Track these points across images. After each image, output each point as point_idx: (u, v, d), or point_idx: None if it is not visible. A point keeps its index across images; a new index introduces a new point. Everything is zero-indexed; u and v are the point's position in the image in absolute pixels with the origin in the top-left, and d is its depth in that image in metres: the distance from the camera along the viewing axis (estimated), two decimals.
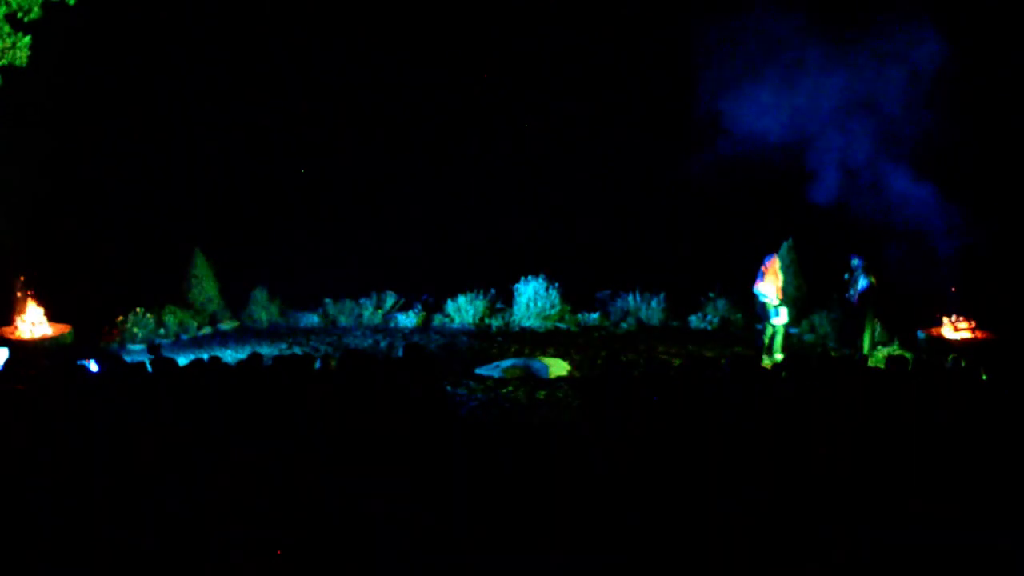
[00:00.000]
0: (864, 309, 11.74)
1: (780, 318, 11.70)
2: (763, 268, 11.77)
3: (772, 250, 12.51)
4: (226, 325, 14.21)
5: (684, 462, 6.25)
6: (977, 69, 12.38)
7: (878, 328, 12.11)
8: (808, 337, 13.19)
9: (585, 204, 16.97)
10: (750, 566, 5.44)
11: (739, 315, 14.05)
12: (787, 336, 12.17)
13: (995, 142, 13.21)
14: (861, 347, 11.69)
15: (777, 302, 11.68)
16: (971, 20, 12.19)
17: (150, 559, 5.44)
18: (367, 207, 17.31)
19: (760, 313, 11.93)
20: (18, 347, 11.72)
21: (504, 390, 10.63)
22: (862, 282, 11.71)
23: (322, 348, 12.88)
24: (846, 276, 12.01)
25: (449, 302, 14.55)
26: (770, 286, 11.71)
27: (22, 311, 12.34)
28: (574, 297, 14.63)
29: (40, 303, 12.49)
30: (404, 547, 5.61)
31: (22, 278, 12.40)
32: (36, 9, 10.82)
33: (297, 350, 12.67)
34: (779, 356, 11.59)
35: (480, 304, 14.46)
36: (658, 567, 5.57)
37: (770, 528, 5.57)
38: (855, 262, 11.85)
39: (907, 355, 9.74)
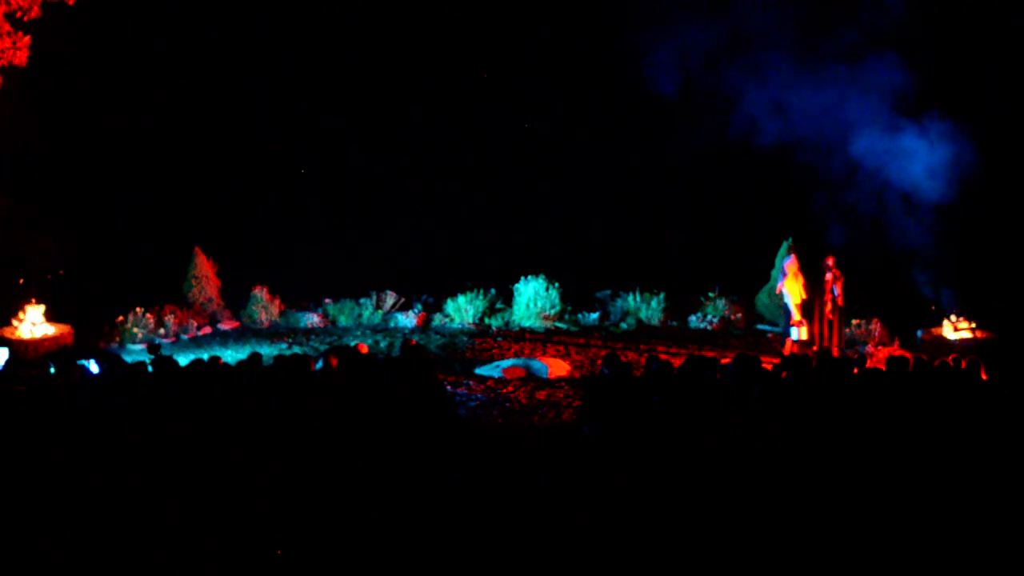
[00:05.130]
0: (839, 308, 11.59)
1: (798, 335, 11.41)
2: (784, 269, 11.56)
3: (772, 250, 12.45)
4: (226, 325, 14.21)
5: (685, 462, 6.25)
6: None
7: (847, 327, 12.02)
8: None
9: (585, 204, 16.98)
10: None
11: (739, 315, 14.05)
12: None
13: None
14: (832, 345, 11.55)
15: (798, 317, 11.37)
16: None
17: (149, 561, 5.44)
18: (367, 207, 17.34)
19: (784, 318, 11.72)
20: (18, 347, 11.74)
21: (504, 390, 10.63)
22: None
23: (322, 348, 12.85)
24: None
25: (449, 302, 14.54)
26: (793, 287, 11.45)
27: (22, 311, 12.34)
28: (574, 297, 14.62)
29: (40, 303, 12.49)
30: (407, 548, 5.61)
31: (21, 280, 12.41)
32: (36, 9, 10.85)
33: (297, 350, 12.66)
34: None
35: (480, 304, 14.45)
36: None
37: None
38: (827, 263, 11.63)
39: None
